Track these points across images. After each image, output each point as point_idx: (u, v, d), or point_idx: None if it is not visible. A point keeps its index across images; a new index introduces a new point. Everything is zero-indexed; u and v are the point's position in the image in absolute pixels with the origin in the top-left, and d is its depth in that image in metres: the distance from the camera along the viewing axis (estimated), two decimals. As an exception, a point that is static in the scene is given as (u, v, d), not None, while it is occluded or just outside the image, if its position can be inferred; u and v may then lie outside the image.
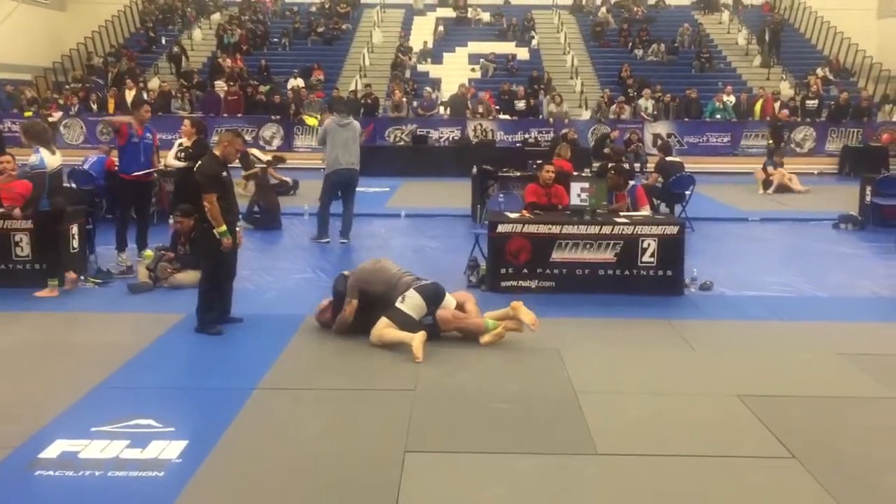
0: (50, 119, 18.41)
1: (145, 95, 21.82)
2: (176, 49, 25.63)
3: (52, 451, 4.56)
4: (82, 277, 8.50)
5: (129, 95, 21.15)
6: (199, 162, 6.88)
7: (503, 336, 6.59)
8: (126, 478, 4.28)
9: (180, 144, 10.60)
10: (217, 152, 6.91)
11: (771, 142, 19.57)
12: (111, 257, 9.37)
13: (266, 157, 14.99)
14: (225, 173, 6.84)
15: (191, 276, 8.34)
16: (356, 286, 6.76)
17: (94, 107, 22.24)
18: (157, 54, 26.47)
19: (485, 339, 6.56)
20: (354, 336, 6.67)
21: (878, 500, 4.20)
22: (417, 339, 6.29)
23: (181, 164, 10.06)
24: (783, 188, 16.26)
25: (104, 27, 26.95)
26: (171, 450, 4.58)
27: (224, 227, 6.68)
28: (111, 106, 21.83)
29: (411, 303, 6.56)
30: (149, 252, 8.68)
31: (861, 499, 4.17)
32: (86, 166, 11.86)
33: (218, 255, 6.78)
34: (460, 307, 6.78)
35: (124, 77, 23.18)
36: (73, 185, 10.97)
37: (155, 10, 28.93)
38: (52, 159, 8.17)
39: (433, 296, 6.67)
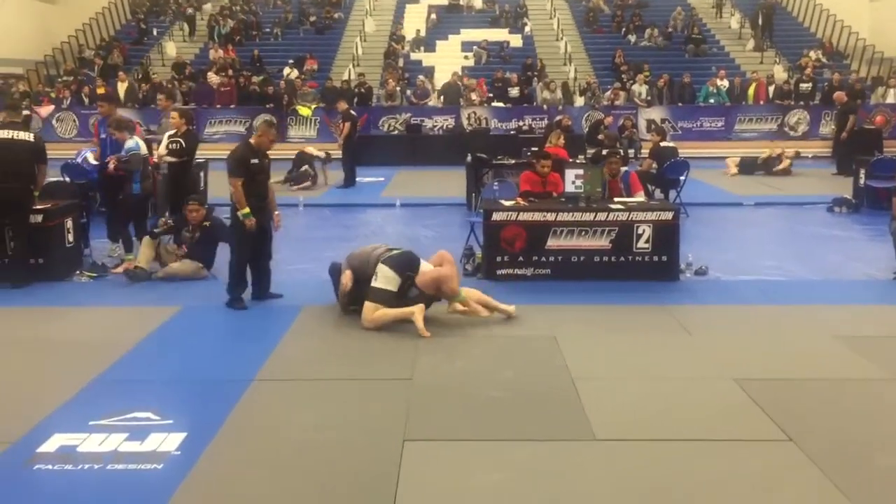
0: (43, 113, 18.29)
1: (137, 87, 21.76)
2: (191, 11, 25.65)
3: (51, 444, 4.56)
4: (78, 272, 8.50)
5: (122, 88, 21.07)
6: (234, 148, 7.39)
7: (465, 312, 6.76)
8: (125, 470, 4.29)
9: (170, 136, 10.47)
10: (252, 141, 7.46)
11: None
12: (106, 251, 9.37)
13: (317, 153, 16.13)
14: (256, 160, 7.24)
15: (186, 266, 8.36)
16: (347, 262, 7.11)
17: (87, 100, 22.11)
18: (148, 46, 26.32)
19: (450, 307, 6.76)
20: (350, 325, 6.70)
21: (875, 482, 4.23)
22: (418, 313, 6.46)
23: (174, 159, 9.83)
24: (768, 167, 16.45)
25: (94, 19, 26.79)
26: (169, 442, 4.59)
27: (247, 210, 7.11)
28: (103, 99, 21.71)
29: (383, 277, 6.70)
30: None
31: (857, 480, 4.19)
32: (79, 160, 11.80)
33: (240, 235, 7.25)
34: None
35: (113, 69, 23.05)
36: (67, 179, 10.93)
37: (146, 1, 28.76)
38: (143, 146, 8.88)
39: (405, 263, 6.77)
